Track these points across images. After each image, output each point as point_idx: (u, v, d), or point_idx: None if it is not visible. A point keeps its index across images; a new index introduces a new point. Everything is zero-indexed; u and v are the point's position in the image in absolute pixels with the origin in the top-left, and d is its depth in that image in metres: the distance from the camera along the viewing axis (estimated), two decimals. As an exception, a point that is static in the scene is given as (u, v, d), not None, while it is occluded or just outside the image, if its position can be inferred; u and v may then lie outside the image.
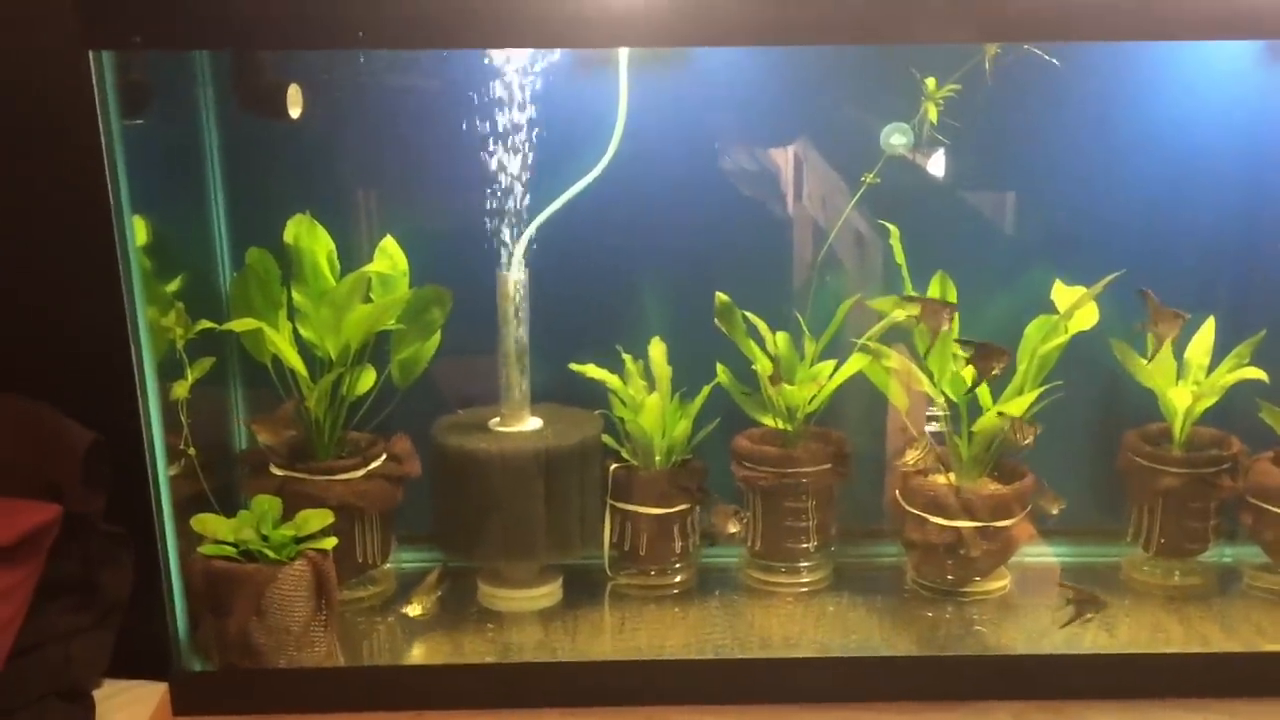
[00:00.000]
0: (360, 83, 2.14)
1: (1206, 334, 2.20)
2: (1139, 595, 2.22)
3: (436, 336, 2.17)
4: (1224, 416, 2.23)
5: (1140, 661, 2.01)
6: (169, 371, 1.96)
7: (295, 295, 2.12)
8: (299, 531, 1.97)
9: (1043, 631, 2.10)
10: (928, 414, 2.25)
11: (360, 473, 2.12)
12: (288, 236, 2.11)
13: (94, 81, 1.72)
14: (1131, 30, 1.87)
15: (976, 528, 2.11)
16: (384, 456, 2.17)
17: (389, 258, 2.14)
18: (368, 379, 2.18)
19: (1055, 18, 1.81)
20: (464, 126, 2.08)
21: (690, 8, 1.76)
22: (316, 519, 1.98)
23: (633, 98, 2.10)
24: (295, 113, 2.08)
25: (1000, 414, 2.08)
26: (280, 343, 2.07)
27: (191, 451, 1.98)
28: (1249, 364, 2.16)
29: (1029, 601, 2.20)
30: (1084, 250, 2.20)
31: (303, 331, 2.13)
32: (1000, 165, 2.24)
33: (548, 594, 2.21)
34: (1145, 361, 2.18)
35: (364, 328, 2.08)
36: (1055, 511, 2.17)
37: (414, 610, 2.14)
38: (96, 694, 1.97)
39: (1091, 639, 2.08)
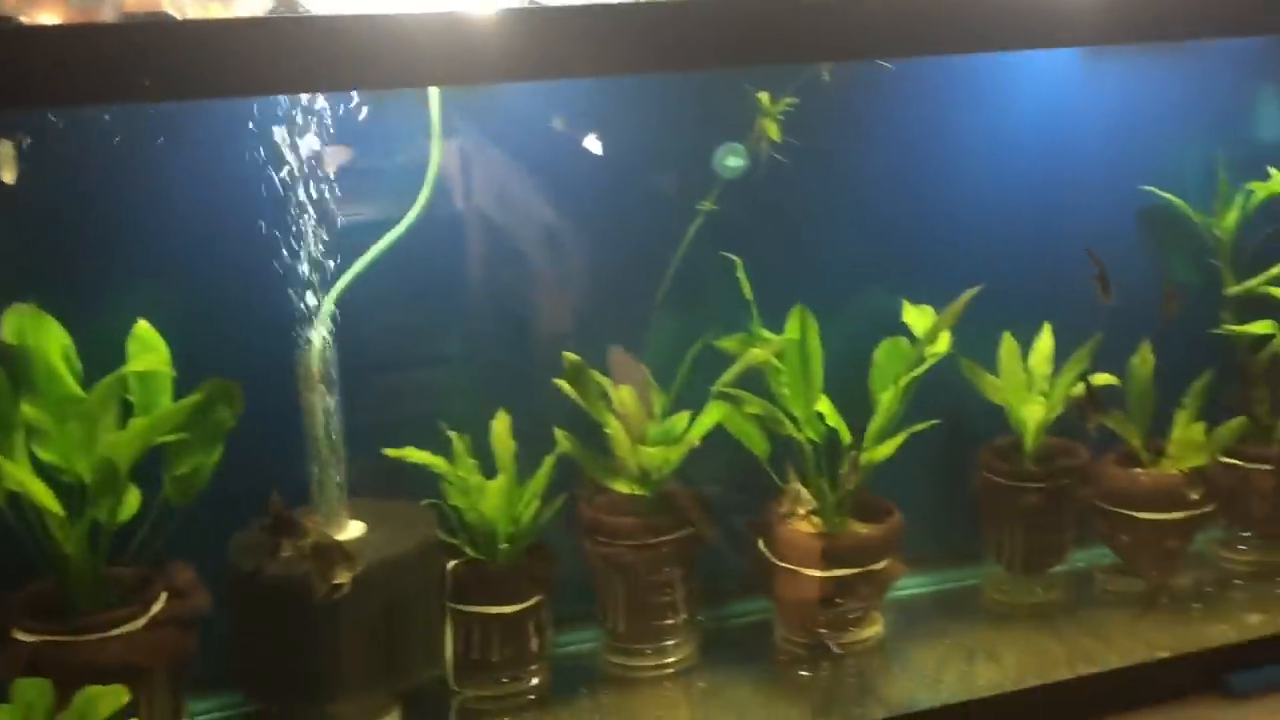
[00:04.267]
0: (87, 139, 1.70)
1: (1045, 342, 2.15)
2: (1006, 617, 2.15)
3: (222, 441, 1.75)
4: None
5: (1040, 694, 1.93)
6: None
7: (25, 408, 1.65)
8: (85, 722, 1.52)
9: (935, 676, 1.98)
10: None
11: (141, 621, 1.68)
12: (8, 334, 1.64)
13: None
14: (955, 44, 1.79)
15: (853, 574, 1.96)
16: (164, 595, 1.74)
17: (147, 348, 1.71)
18: (132, 501, 1.74)
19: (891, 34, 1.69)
20: (234, 183, 1.70)
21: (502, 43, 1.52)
22: (107, 699, 1.53)
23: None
24: (8, 177, 1.61)
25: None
26: (21, 475, 1.60)
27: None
28: (1088, 369, 2.12)
29: (908, 645, 2.07)
30: (922, 269, 2.10)
31: (41, 454, 1.67)
32: (837, 184, 2.09)
33: (384, 727, 1.85)
34: (995, 378, 2.11)
35: (135, 446, 1.64)
36: None
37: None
38: None
39: (982, 673, 1.98)
